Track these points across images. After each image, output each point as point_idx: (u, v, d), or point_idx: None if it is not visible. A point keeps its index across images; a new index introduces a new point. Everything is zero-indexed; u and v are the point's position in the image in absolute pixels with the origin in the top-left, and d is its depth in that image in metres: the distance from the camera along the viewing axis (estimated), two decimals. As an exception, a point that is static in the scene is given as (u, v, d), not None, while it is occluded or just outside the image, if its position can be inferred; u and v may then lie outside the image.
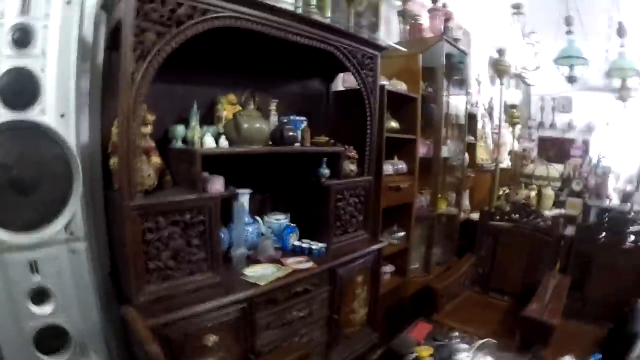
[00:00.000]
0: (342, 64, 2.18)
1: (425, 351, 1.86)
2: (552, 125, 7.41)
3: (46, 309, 1.52)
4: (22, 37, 1.44)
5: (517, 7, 4.68)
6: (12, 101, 1.43)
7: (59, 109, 1.51)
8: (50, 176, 1.49)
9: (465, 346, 1.96)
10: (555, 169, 4.39)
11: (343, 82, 2.75)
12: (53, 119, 1.49)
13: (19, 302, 1.47)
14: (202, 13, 1.52)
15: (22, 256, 1.46)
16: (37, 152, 1.47)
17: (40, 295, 1.51)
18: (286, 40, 1.86)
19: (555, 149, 7.17)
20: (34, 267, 1.48)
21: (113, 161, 1.61)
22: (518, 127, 5.06)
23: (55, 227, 1.49)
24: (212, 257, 1.72)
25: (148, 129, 1.62)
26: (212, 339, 1.60)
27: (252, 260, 2.01)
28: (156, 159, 1.65)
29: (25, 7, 1.45)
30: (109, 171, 1.69)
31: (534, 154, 6.66)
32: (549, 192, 4.37)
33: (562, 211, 4.36)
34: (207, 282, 1.70)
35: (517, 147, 5.28)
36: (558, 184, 4.45)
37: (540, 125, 7.41)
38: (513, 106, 4.62)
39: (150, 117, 1.63)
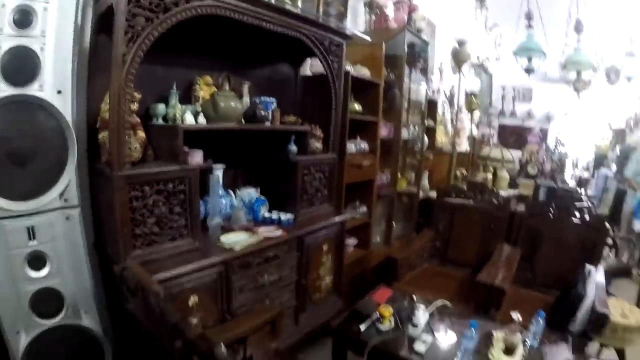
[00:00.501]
0: (310, 50, 2.39)
1: (387, 311, 2.03)
2: (513, 114, 7.79)
3: (42, 273, 1.69)
4: (23, 18, 1.57)
5: (481, 0, 4.92)
6: (13, 78, 1.57)
7: (56, 86, 1.66)
8: (47, 147, 1.65)
9: (423, 307, 2.16)
10: (510, 153, 4.69)
11: (310, 67, 2.96)
12: (51, 95, 1.64)
13: (17, 266, 1.64)
14: (187, 1, 1.71)
15: (21, 223, 1.62)
16: (35, 125, 1.62)
17: (36, 260, 1.67)
18: (260, 27, 2.05)
19: (514, 136, 7.57)
20: (31, 233, 1.64)
21: (102, 135, 1.79)
22: (476, 113, 5.35)
23: (52, 195, 1.66)
24: (191, 224, 1.92)
25: (135, 106, 1.78)
26: (193, 299, 1.80)
27: (226, 229, 2.20)
28: (142, 134, 1.83)
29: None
30: (93, 145, 1.86)
31: (494, 140, 7.02)
32: (504, 174, 4.69)
33: (516, 192, 4.70)
34: (187, 247, 1.90)
35: (475, 132, 5.59)
36: (512, 166, 4.75)
37: (501, 113, 7.78)
38: (472, 94, 4.90)
39: (137, 95, 1.78)
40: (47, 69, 1.63)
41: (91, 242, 1.92)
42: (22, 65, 1.59)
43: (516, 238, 3.05)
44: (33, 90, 1.61)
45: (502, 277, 2.39)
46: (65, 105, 1.68)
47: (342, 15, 3.35)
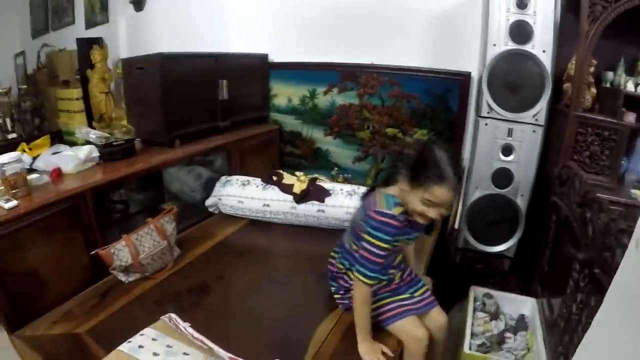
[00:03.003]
0: None
1: None
2: None
3: (508, 158, 2.61)
4: (522, 2, 2.42)
5: None
6: (516, 39, 2.44)
7: (542, 46, 2.43)
8: (531, 84, 2.46)
9: None
10: None
11: None
12: (538, 52, 2.43)
13: (495, 150, 2.61)
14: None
15: (505, 125, 2.55)
16: (526, 69, 2.46)
17: (506, 150, 2.60)
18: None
19: None
20: (510, 132, 2.56)
21: (565, 85, 2.52)
22: None
23: (529, 113, 2.49)
24: (611, 167, 2.45)
25: (591, 69, 2.43)
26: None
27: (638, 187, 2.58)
28: (594, 90, 2.48)
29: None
30: (556, 91, 2.58)
31: None
32: None
33: None
34: (604, 184, 2.44)
35: None
36: None
37: None
38: None
39: (594, 62, 2.41)
40: (536, 35, 2.43)
41: (540, 151, 2.62)
42: (522, 32, 2.44)
43: None
44: (528, 47, 2.44)
45: None
46: (547, 60, 2.43)
47: None
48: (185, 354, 1.45)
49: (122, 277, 2.15)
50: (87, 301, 2.02)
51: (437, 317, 1.83)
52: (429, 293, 1.87)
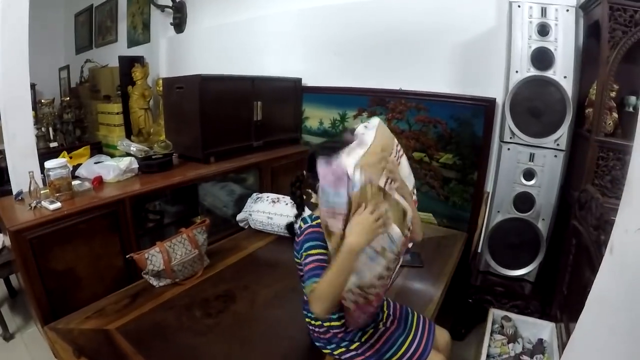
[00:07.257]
0: None
1: None
2: None
3: (529, 183, 2.71)
4: (543, 29, 2.55)
5: None
6: (538, 65, 2.57)
7: (563, 72, 2.55)
8: (552, 110, 2.57)
9: None
10: None
11: None
12: (559, 78, 2.55)
13: (517, 174, 2.73)
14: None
15: (527, 150, 2.67)
16: (547, 95, 2.57)
17: (528, 174, 2.71)
18: None
19: None
20: (531, 157, 2.67)
21: (587, 110, 2.61)
22: None
23: (550, 139, 2.60)
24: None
25: (613, 94, 2.51)
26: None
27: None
28: (615, 115, 2.56)
29: (543, 13, 2.54)
30: (579, 116, 2.69)
31: None
32: None
33: None
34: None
35: None
36: None
37: None
38: None
39: (615, 86, 2.50)
40: (558, 62, 2.55)
41: (562, 176, 2.71)
42: (543, 58, 2.56)
43: None
44: (549, 73, 2.56)
45: None
46: (567, 86, 2.55)
47: None
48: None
49: (154, 282, 2.35)
50: (119, 301, 2.20)
51: (441, 336, 1.86)
52: (422, 319, 1.86)
